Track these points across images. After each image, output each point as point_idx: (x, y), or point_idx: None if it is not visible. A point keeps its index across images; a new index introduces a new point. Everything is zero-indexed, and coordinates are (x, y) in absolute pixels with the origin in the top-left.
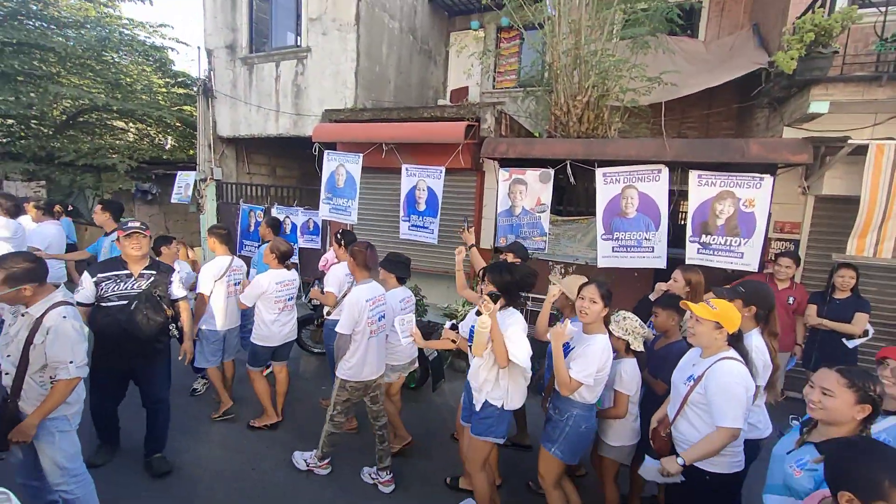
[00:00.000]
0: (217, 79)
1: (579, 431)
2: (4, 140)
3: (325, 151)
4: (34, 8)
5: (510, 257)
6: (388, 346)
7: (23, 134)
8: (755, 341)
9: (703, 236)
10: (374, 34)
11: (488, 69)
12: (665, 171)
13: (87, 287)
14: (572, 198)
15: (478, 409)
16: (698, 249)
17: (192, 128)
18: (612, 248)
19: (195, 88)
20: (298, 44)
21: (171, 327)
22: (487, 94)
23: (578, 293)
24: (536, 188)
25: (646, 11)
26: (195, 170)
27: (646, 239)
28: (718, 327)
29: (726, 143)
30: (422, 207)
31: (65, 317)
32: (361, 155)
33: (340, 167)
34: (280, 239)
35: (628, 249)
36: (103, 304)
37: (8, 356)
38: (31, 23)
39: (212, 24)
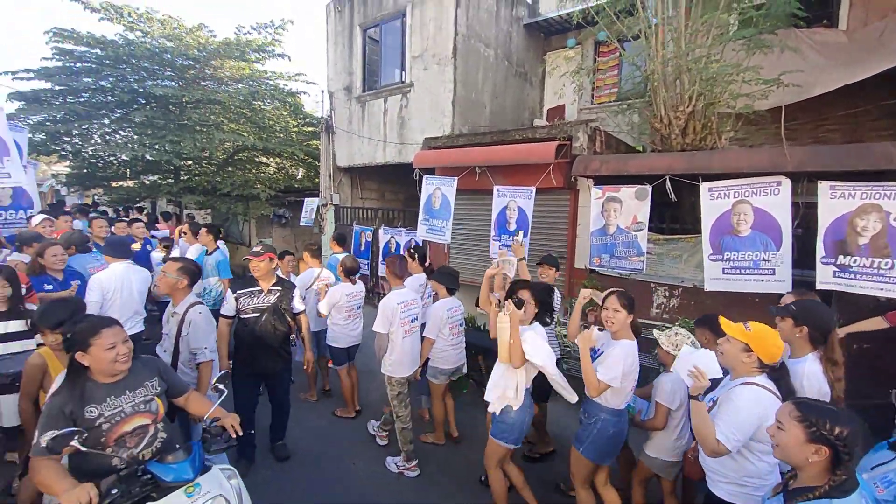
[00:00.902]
0: (336, 117)
1: (607, 435)
2: (185, 177)
3: (424, 176)
4: (208, 72)
5: (545, 269)
6: (436, 350)
7: (196, 171)
8: (809, 367)
9: (841, 257)
10: (470, 64)
11: (581, 87)
12: (786, 183)
13: (230, 302)
14: (677, 215)
15: (497, 413)
16: (834, 272)
17: (317, 159)
18: (723, 269)
19: (319, 126)
20: (403, 80)
21: (291, 336)
22: (585, 110)
23: (602, 304)
24: (632, 206)
25: (760, 10)
26: (318, 196)
27: (764, 260)
28: (747, 350)
29: (866, 148)
30: (512, 227)
31: (200, 312)
32: (456, 178)
33: (437, 190)
34: (350, 256)
35: (742, 271)
36: (241, 317)
37: (165, 351)
38: (206, 83)
39: (333, 71)
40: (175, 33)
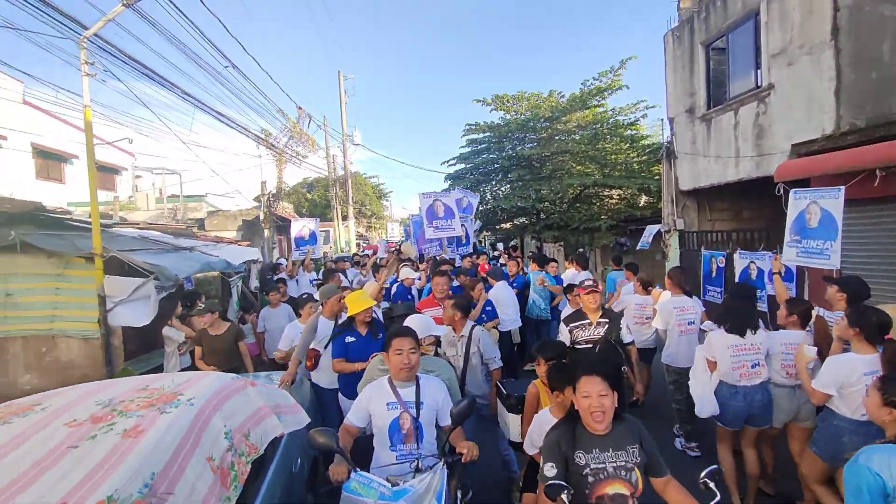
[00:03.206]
0: (678, 140)
1: (839, 440)
2: (543, 217)
3: (792, 191)
4: (559, 128)
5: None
6: None
7: (552, 211)
8: None
9: None
10: (865, 37)
11: None
12: None
13: (563, 334)
14: None
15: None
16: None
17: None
18: None
19: (660, 153)
20: (758, 84)
21: (623, 368)
22: None
23: None
24: None
25: None
26: (660, 222)
27: None
28: None
29: None
30: None
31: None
32: (843, 188)
33: (812, 205)
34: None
35: None
36: (576, 347)
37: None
38: (558, 137)
39: (673, 95)
40: (536, 104)
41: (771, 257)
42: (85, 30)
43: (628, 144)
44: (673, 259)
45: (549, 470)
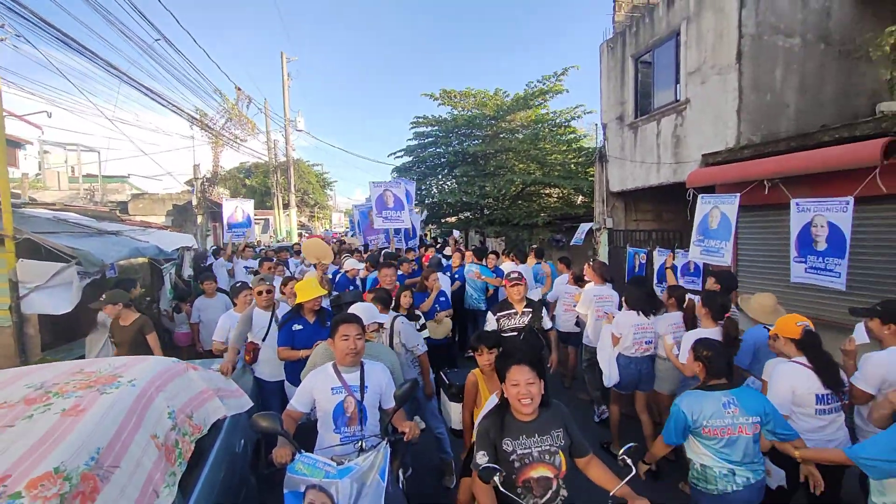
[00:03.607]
0: (609, 145)
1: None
2: (487, 212)
3: (700, 195)
4: (504, 125)
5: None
6: None
7: (495, 207)
8: None
9: None
10: (763, 64)
11: None
12: None
13: (490, 322)
14: None
15: None
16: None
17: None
18: None
19: (593, 156)
20: (677, 98)
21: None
22: None
23: None
24: None
25: None
26: (593, 220)
27: None
28: None
29: None
30: (821, 246)
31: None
32: (738, 195)
33: (715, 209)
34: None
35: None
36: (502, 334)
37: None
38: (502, 135)
39: (606, 103)
40: (482, 101)
41: (683, 254)
42: None
43: (566, 146)
44: (602, 255)
45: (481, 458)
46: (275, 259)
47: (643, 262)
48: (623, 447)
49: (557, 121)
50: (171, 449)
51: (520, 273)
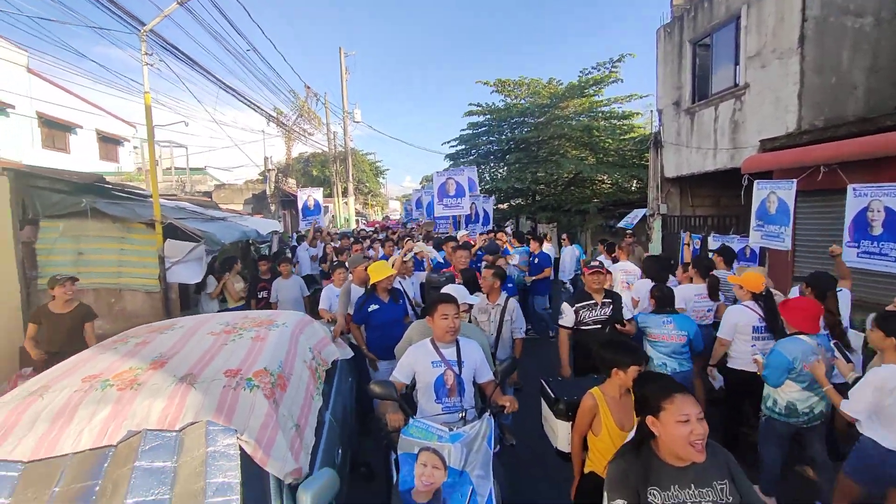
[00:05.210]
0: (665, 131)
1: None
2: (539, 198)
3: (756, 181)
4: (557, 113)
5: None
6: None
7: (547, 193)
8: None
9: None
10: (829, 46)
11: None
12: None
13: (568, 315)
14: None
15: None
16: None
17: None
18: None
19: (648, 142)
20: (737, 83)
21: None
22: None
23: None
24: None
25: None
26: (646, 206)
27: None
28: None
29: None
30: (876, 231)
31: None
32: (794, 181)
33: (772, 194)
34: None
35: None
36: (581, 328)
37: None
38: (555, 121)
39: (662, 89)
40: (535, 90)
41: (740, 240)
42: (143, 25)
43: (621, 133)
44: (656, 241)
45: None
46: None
47: (696, 247)
48: None
49: (613, 106)
50: (314, 371)
51: (601, 262)
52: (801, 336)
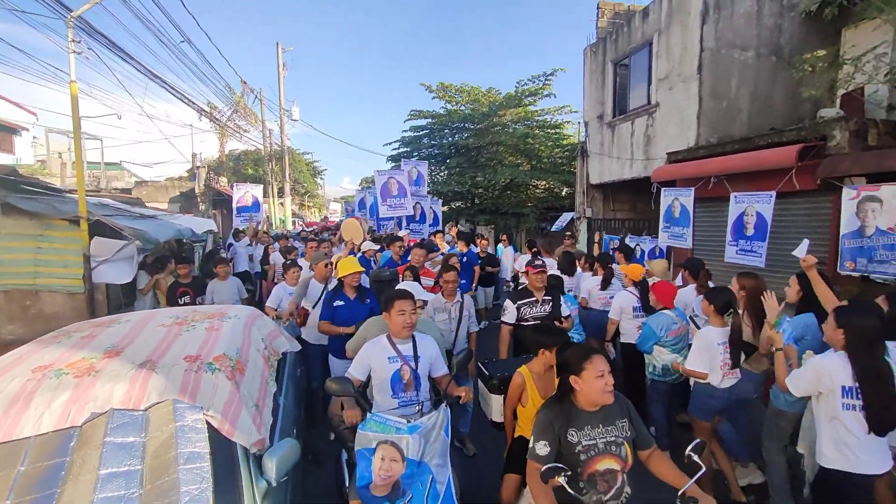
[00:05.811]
0: (590, 142)
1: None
2: (477, 202)
3: (663, 189)
4: (495, 120)
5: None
6: None
7: (485, 197)
8: None
9: None
10: (720, 74)
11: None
12: None
13: (510, 310)
14: None
15: None
16: None
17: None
18: None
19: (576, 151)
20: (649, 101)
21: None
22: None
23: None
24: None
25: None
26: (574, 210)
27: None
28: None
29: None
30: (749, 232)
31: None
32: (692, 189)
33: (675, 200)
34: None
35: None
36: (521, 324)
37: None
38: (494, 129)
39: (588, 103)
40: (475, 97)
41: (651, 240)
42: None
43: (553, 142)
44: (581, 242)
45: (542, 448)
46: (317, 239)
47: (615, 248)
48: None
49: (546, 119)
50: (267, 360)
51: (544, 261)
52: (665, 311)
